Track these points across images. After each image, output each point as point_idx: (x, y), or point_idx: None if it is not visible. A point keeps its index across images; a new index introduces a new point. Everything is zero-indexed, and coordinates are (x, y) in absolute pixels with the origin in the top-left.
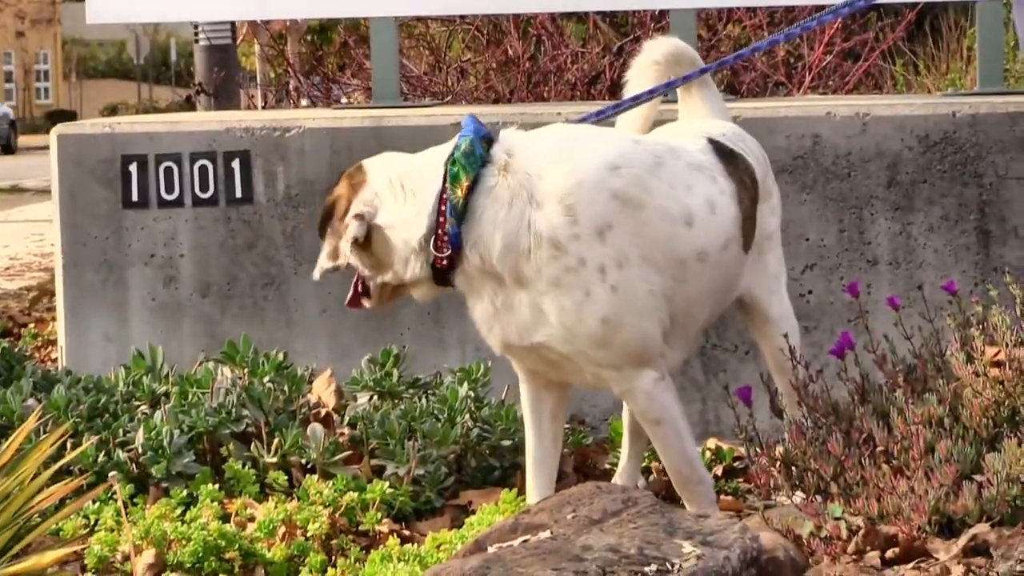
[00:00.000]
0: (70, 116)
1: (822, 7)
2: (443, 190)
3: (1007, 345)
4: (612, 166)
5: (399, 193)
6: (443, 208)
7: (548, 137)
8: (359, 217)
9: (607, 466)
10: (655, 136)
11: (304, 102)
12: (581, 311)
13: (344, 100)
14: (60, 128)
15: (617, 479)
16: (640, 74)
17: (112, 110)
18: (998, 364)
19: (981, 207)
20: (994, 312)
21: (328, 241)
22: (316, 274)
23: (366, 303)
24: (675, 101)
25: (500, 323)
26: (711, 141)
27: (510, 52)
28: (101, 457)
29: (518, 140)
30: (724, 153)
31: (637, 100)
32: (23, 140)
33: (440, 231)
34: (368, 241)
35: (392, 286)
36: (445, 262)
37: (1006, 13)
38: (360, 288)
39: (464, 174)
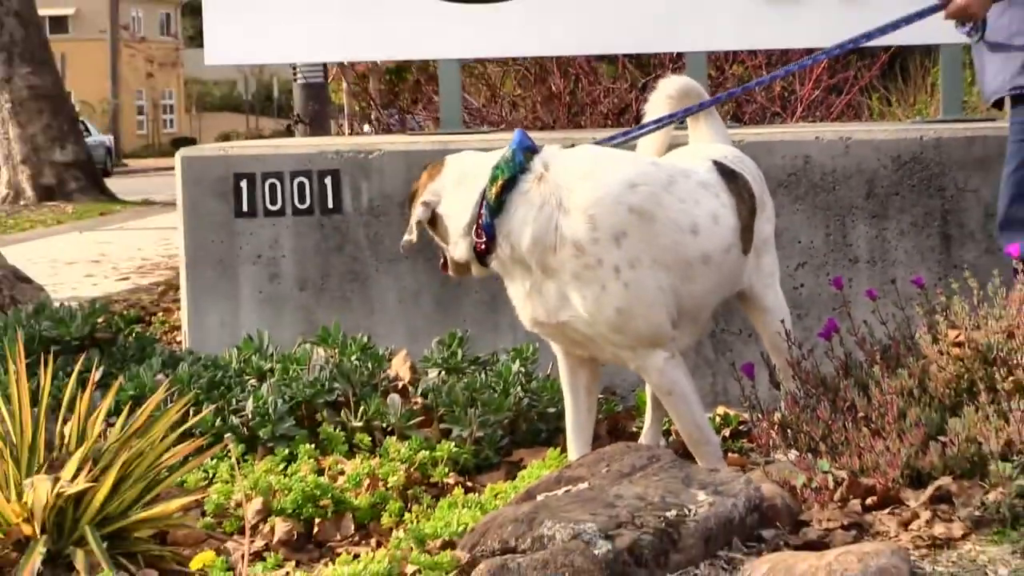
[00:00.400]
0: (191, 142)
1: (811, 50)
2: (485, 188)
3: (966, 329)
4: (631, 184)
5: (459, 187)
6: (482, 202)
7: (580, 156)
8: (424, 204)
9: (635, 429)
10: (670, 158)
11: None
12: (599, 301)
13: (418, 128)
14: (184, 151)
15: (643, 440)
16: (656, 106)
17: (225, 137)
18: (959, 344)
19: (944, 215)
20: (955, 302)
21: (408, 218)
22: (402, 244)
23: (448, 271)
24: (686, 128)
25: (531, 303)
26: (716, 163)
27: (553, 88)
28: (218, 422)
29: (555, 155)
30: (726, 173)
31: (655, 125)
32: (151, 162)
33: (478, 222)
34: (437, 224)
35: (457, 261)
36: (483, 247)
37: (964, 54)
38: (444, 259)
39: (501, 176)
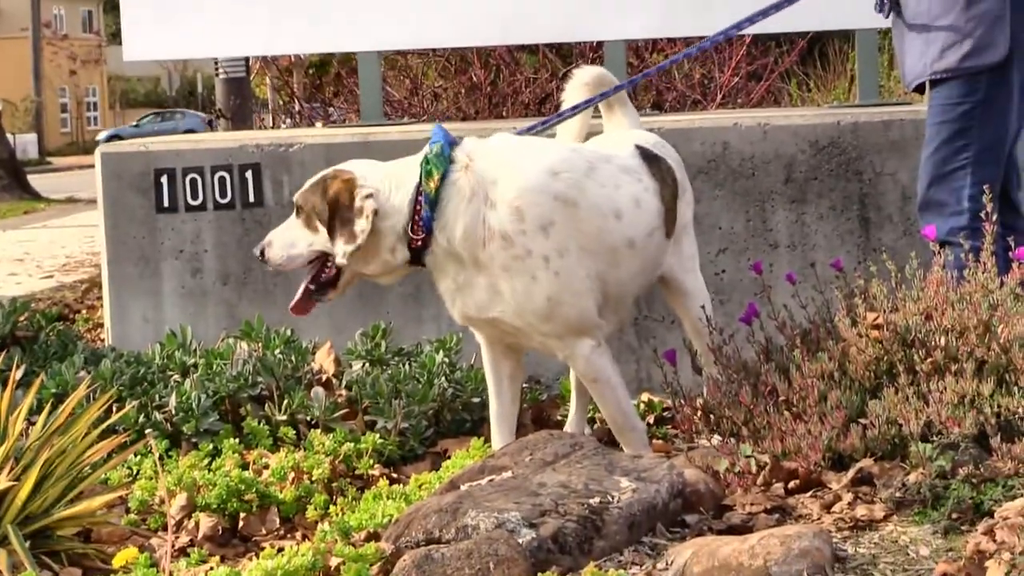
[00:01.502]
0: (116, 140)
1: (729, 39)
2: (419, 184)
3: (884, 311)
4: (553, 172)
5: (390, 186)
6: (419, 198)
7: (502, 146)
8: (370, 196)
9: (559, 417)
10: (591, 144)
11: (304, 124)
12: (529, 292)
13: (344, 121)
14: (103, 148)
15: (567, 428)
16: (572, 94)
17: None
18: (877, 327)
19: (862, 199)
20: (874, 284)
21: (341, 231)
22: (341, 259)
23: (327, 297)
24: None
25: (461, 298)
26: (638, 147)
27: (474, 79)
28: (141, 418)
29: (476, 146)
30: (649, 157)
31: (573, 111)
32: (75, 159)
33: (416, 217)
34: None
35: (359, 274)
36: (419, 243)
37: (880, 39)
38: (313, 288)
39: (436, 170)
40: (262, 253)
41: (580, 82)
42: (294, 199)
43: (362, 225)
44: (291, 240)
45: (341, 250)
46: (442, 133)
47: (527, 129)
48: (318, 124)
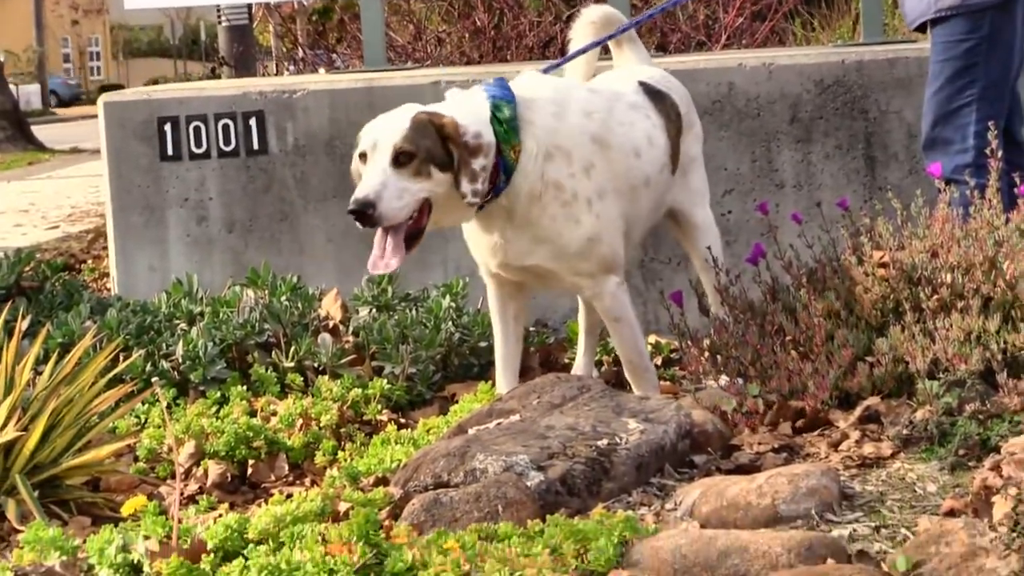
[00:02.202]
0: (119, 88)
1: None
2: (498, 148)
3: (890, 249)
4: (587, 113)
5: (484, 135)
6: (497, 162)
7: (543, 92)
8: (480, 134)
9: (566, 361)
10: (597, 83)
11: (307, 71)
12: (573, 235)
13: (348, 68)
14: (105, 97)
15: (575, 371)
16: (580, 33)
17: (154, 82)
18: (883, 265)
19: (868, 138)
20: (879, 222)
21: (465, 172)
22: (472, 199)
23: (413, 249)
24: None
25: (504, 249)
26: (641, 84)
27: (478, 23)
28: (148, 367)
29: (529, 100)
30: (653, 93)
31: (586, 50)
32: (79, 110)
33: (492, 183)
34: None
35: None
36: (491, 191)
37: None
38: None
39: (514, 138)
40: (366, 211)
41: (587, 21)
42: (397, 145)
43: (482, 163)
44: (401, 190)
45: (470, 190)
46: (506, 91)
47: (547, 69)
48: (321, 71)
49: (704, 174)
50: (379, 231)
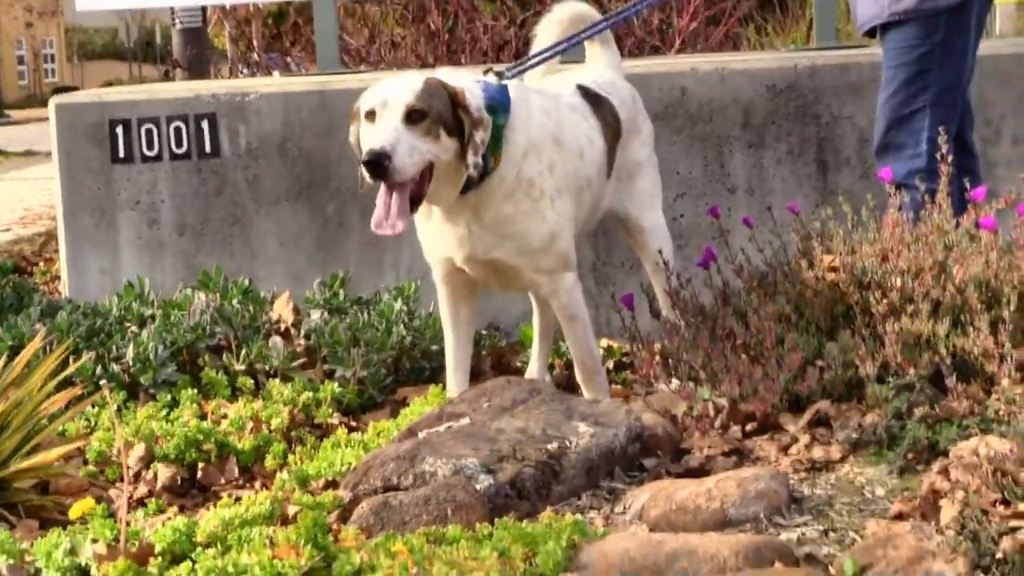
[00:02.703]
0: (74, 91)
1: None
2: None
3: (840, 253)
4: (546, 112)
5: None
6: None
7: (515, 96)
8: (481, 109)
9: (519, 364)
10: (539, 86)
11: (261, 74)
12: (538, 230)
13: (302, 71)
14: (57, 99)
15: (528, 375)
16: (546, 32)
17: (108, 85)
18: (834, 269)
19: (819, 142)
20: (830, 227)
21: (471, 141)
22: (473, 170)
23: (413, 213)
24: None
25: (471, 242)
26: (580, 87)
27: (432, 26)
28: (98, 370)
29: (517, 99)
30: (591, 96)
31: (554, 50)
32: (33, 112)
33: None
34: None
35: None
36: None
37: None
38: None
39: (498, 148)
40: (383, 162)
41: (555, 19)
42: (410, 103)
43: (482, 136)
44: (412, 147)
45: (473, 161)
46: (504, 96)
47: (514, 67)
48: (276, 74)
49: (655, 178)
50: (383, 190)
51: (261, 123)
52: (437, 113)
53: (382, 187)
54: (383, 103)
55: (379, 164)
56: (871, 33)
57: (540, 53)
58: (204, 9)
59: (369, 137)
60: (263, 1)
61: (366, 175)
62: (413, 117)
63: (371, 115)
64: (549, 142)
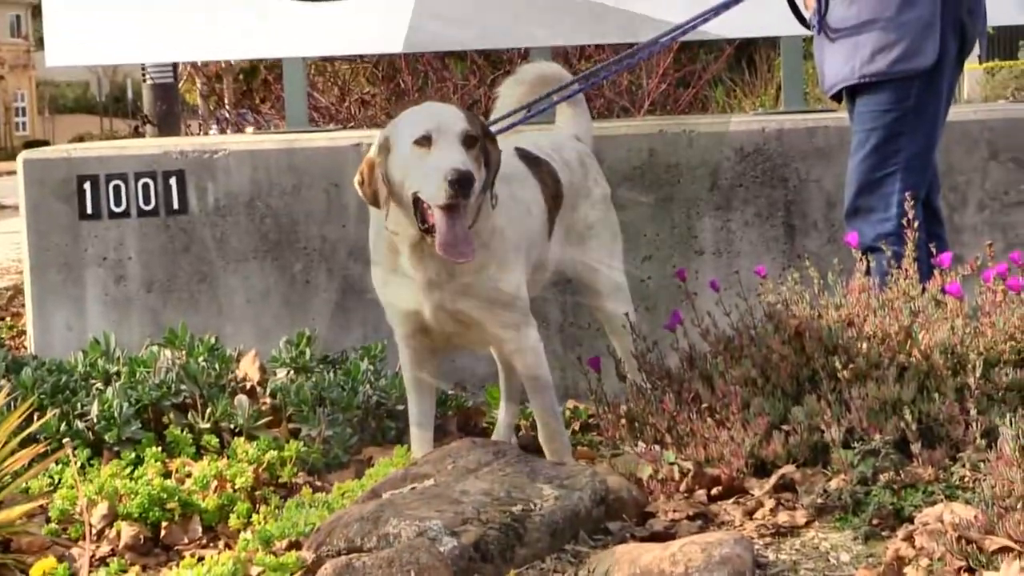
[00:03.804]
0: (44, 145)
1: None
2: None
3: (807, 318)
4: (506, 176)
5: None
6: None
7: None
8: None
9: (485, 425)
10: None
11: (231, 130)
12: (505, 280)
13: (272, 128)
14: (25, 154)
15: (495, 436)
16: (508, 92)
17: (79, 139)
18: (800, 334)
19: (787, 205)
20: (796, 291)
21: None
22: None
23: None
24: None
25: (440, 290)
26: (518, 150)
27: (403, 85)
28: (62, 427)
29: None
30: (530, 159)
31: (534, 112)
32: (4, 165)
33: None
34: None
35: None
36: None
37: (806, 46)
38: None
39: None
40: (469, 179)
41: (517, 79)
42: (465, 128)
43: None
44: (473, 172)
45: (493, 193)
46: None
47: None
48: (248, 130)
49: (610, 239)
50: (443, 216)
51: (229, 180)
52: (479, 141)
53: (440, 212)
54: (437, 128)
55: (469, 182)
56: (838, 97)
57: (504, 116)
58: (175, 65)
59: (433, 162)
60: (234, 58)
61: (442, 195)
62: (468, 142)
63: (426, 140)
64: (509, 195)
